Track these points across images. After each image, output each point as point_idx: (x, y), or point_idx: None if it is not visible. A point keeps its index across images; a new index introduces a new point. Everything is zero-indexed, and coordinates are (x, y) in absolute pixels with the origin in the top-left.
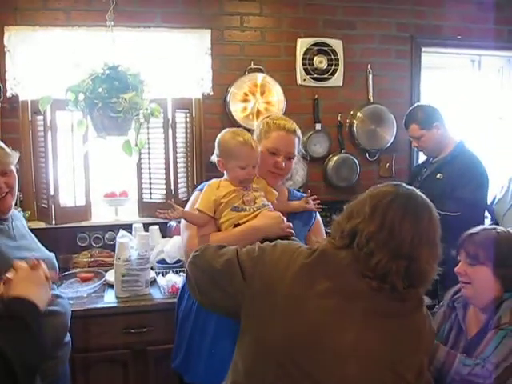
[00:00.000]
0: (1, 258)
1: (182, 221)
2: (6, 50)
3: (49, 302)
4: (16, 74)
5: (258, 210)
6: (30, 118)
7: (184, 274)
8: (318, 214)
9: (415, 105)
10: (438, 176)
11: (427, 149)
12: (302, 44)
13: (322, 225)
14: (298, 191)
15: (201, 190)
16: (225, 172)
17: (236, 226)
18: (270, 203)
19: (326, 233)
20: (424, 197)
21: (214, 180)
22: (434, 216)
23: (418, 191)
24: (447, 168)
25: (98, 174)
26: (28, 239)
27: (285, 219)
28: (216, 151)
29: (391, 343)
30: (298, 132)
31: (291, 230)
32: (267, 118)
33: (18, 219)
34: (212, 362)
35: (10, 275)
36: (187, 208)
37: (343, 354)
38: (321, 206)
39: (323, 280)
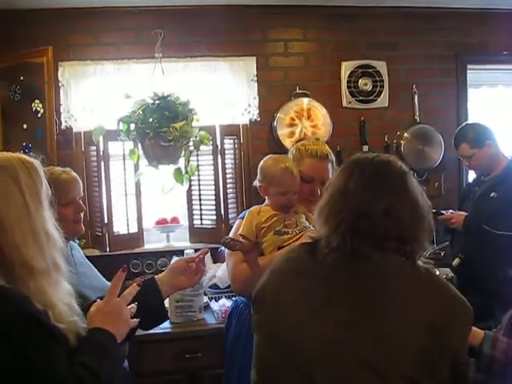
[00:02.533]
0: None
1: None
2: (60, 84)
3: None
4: (69, 107)
5: (300, 232)
6: (83, 149)
7: (234, 299)
8: None
9: (464, 124)
10: (492, 195)
11: (479, 167)
12: (346, 67)
13: None
14: None
15: (242, 217)
16: (266, 197)
17: (280, 248)
18: (311, 225)
19: None
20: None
21: (254, 206)
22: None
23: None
24: (501, 186)
25: (150, 201)
26: (86, 267)
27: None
28: (258, 177)
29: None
30: (331, 156)
31: None
32: (299, 144)
33: (76, 248)
34: None
35: (93, 308)
36: (230, 235)
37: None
38: None
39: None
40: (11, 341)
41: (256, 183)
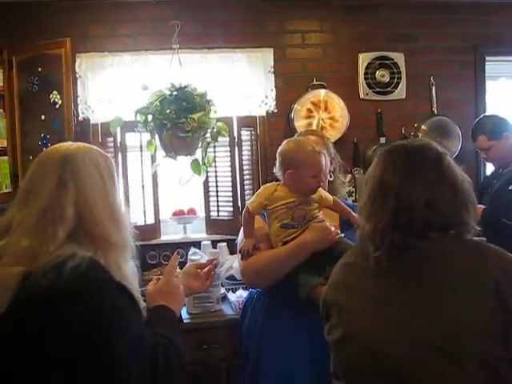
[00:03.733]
0: None
1: (239, 239)
2: (77, 76)
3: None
4: (87, 98)
5: (306, 225)
6: (100, 140)
7: (250, 290)
8: None
9: (482, 116)
10: (510, 188)
11: (497, 160)
12: (364, 58)
13: None
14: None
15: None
16: (290, 183)
17: (285, 243)
18: (320, 213)
19: None
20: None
21: (269, 185)
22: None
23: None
24: None
25: (167, 192)
26: None
27: (332, 228)
28: (281, 165)
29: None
30: (322, 134)
31: (340, 236)
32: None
33: None
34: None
35: (150, 287)
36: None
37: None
38: None
39: None
40: (112, 301)
41: (277, 171)
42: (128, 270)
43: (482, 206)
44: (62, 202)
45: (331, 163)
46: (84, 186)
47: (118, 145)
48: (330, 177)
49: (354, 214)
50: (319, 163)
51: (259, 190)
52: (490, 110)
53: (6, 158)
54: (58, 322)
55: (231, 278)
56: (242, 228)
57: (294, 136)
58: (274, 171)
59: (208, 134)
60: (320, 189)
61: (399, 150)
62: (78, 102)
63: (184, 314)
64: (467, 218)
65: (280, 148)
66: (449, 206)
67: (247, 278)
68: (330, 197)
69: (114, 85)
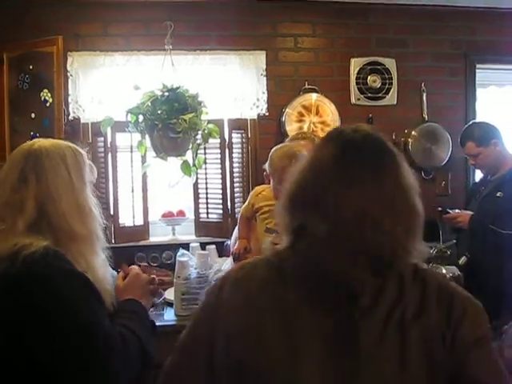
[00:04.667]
0: None
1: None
2: (69, 74)
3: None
4: (78, 97)
5: None
6: (90, 140)
7: None
8: None
9: (471, 122)
10: (498, 194)
11: (485, 166)
12: (356, 63)
13: None
14: None
15: None
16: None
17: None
18: None
19: None
20: None
21: (260, 186)
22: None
23: None
24: (507, 185)
25: (156, 194)
26: None
27: None
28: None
29: None
30: (312, 137)
31: None
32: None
33: None
34: None
35: (119, 282)
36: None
37: None
38: None
39: None
40: (65, 293)
41: (266, 167)
42: (96, 262)
43: (469, 213)
44: (22, 195)
45: None
46: (46, 179)
47: (109, 145)
48: None
49: None
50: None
51: (250, 195)
52: (480, 117)
53: None
54: (13, 307)
55: None
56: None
57: (284, 139)
58: (264, 166)
59: (199, 136)
60: None
61: (332, 139)
62: (69, 100)
63: (172, 315)
64: (415, 246)
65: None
66: (391, 225)
67: None
68: None
69: (105, 84)
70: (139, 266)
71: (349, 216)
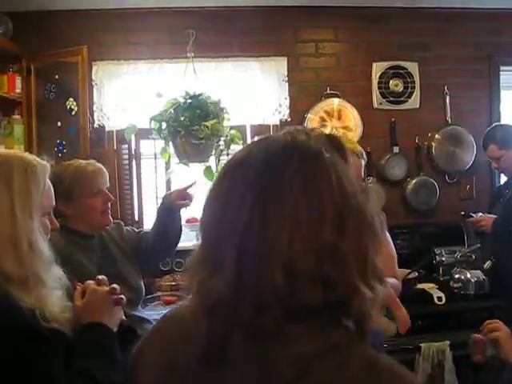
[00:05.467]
0: (83, 271)
1: None
2: (93, 83)
3: (121, 322)
4: (102, 105)
5: None
6: (115, 147)
7: None
8: (386, 231)
9: (493, 125)
10: None
11: (508, 169)
12: (378, 68)
13: (390, 240)
14: None
15: None
16: None
17: None
18: None
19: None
20: None
21: None
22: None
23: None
24: None
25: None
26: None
27: None
28: None
29: None
30: (363, 154)
31: None
32: None
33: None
34: None
35: (78, 301)
36: None
37: None
38: None
39: None
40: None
41: None
42: (44, 298)
43: (492, 216)
44: None
45: None
46: None
47: (133, 152)
48: None
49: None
50: None
51: None
52: (505, 119)
53: None
54: None
55: None
56: None
57: None
58: None
59: (221, 142)
60: None
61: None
62: (94, 109)
63: None
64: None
65: None
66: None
67: None
68: None
69: (129, 92)
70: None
71: None
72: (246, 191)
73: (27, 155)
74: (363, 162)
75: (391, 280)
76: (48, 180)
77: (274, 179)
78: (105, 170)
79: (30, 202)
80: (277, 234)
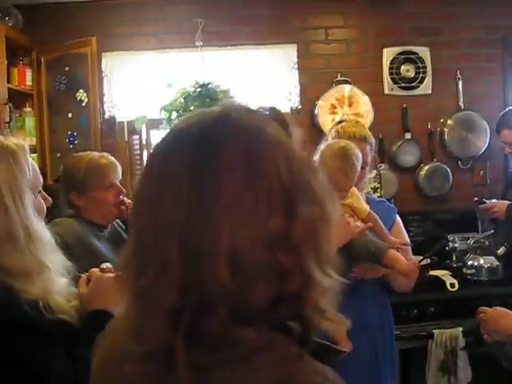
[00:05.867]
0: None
1: None
2: (103, 74)
3: None
4: (113, 96)
5: None
6: (126, 138)
7: None
8: (397, 214)
9: (507, 109)
10: None
11: None
12: (388, 53)
13: (403, 228)
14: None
15: None
16: None
17: None
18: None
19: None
20: None
21: None
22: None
23: None
24: None
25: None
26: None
27: (351, 220)
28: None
29: None
30: (370, 139)
31: (359, 229)
32: (338, 126)
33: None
34: None
35: (82, 289)
36: None
37: None
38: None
39: None
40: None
41: None
42: (50, 290)
43: (506, 202)
44: None
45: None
46: None
47: (144, 142)
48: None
49: (387, 234)
50: (338, 181)
51: None
52: None
53: (35, 155)
54: None
55: None
56: None
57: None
58: None
59: None
60: (354, 197)
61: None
62: (104, 100)
63: None
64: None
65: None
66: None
67: None
68: (366, 207)
69: (139, 83)
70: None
71: None
72: (180, 178)
73: (2, 140)
74: (369, 147)
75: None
76: (30, 158)
77: (211, 162)
78: (117, 163)
79: (19, 189)
80: (218, 225)
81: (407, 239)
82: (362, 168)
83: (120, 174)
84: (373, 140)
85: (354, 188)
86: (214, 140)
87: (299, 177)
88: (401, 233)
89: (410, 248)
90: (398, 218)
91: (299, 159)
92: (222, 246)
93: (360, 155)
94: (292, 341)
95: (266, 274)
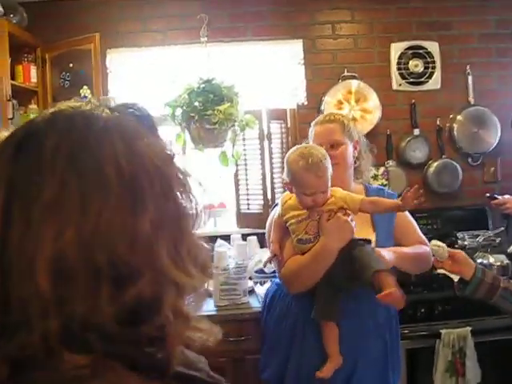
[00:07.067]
0: None
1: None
2: (108, 71)
3: None
4: (117, 93)
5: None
6: None
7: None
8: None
9: None
10: None
11: None
12: (396, 48)
13: (411, 217)
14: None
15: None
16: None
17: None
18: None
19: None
20: None
21: (287, 193)
22: None
23: None
24: None
25: (196, 186)
26: None
27: (353, 223)
28: (285, 171)
29: None
30: (342, 119)
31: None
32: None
33: None
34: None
35: None
36: (268, 223)
37: None
38: (422, 200)
39: None
40: None
41: (284, 177)
42: None
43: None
44: None
45: (355, 148)
46: None
47: None
48: (355, 163)
49: (394, 201)
50: (312, 182)
51: (278, 204)
52: None
53: None
54: None
55: (260, 271)
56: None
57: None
58: (283, 176)
59: (236, 127)
60: (338, 194)
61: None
62: (109, 96)
63: (211, 306)
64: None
65: (288, 153)
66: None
67: (288, 287)
68: (357, 198)
69: (144, 79)
70: None
71: None
72: None
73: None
74: (338, 127)
75: (422, 248)
76: None
77: (30, 162)
78: None
79: None
80: (39, 231)
81: (414, 223)
82: (334, 146)
83: None
84: (346, 122)
85: (336, 188)
86: (36, 134)
87: (145, 168)
88: (406, 217)
89: (416, 225)
90: None
91: (146, 151)
92: (44, 252)
93: (326, 154)
94: (142, 373)
95: (99, 280)
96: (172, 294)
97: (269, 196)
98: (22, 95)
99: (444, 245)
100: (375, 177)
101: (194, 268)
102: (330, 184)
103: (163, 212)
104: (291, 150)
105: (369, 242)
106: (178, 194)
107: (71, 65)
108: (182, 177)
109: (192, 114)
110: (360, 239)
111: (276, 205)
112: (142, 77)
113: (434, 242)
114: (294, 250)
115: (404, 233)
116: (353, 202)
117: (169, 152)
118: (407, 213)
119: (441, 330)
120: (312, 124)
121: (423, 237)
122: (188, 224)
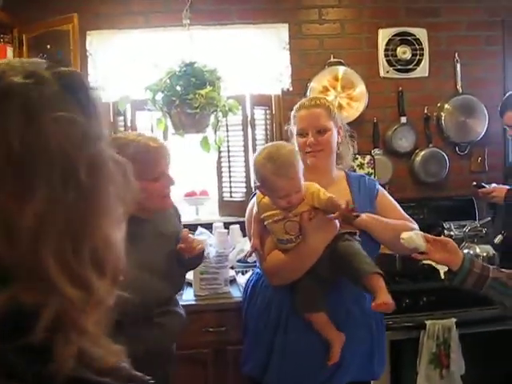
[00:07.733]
0: None
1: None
2: (88, 53)
3: None
4: (98, 76)
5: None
6: (111, 120)
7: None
8: (379, 185)
9: (511, 92)
10: None
11: None
12: (384, 34)
13: (389, 196)
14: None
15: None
16: None
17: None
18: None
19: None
20: None
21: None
22: None
23: None
24: None
25: (178, 173)
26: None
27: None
28: (254, 175)
29: None
30: (326, 104)
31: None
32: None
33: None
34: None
35: None
36: (247, 213)
37: None
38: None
39: None
40: None
41: (255, 180)
42: None
43: (505, 187)
44: None
45: (339, 133)
46: None
47: (129, 124)
48: (338, 149)
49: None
50: (283, 185)
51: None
52: None
53: None
54: None
55: (242, 260)
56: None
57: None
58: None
59: (219, 112)
60: (309, 195)
61: None
62: (89, 80)
63: (191, 295)
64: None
65: (254, 155)
66: None
67: (270, 280)
68: (324, 197)
69: (125, 63)
70: None
71: None
72: None
73: None
74: (322, 111)
75: (405, 223)
76: None
77: None
78: (168, 148)
79: None
80: None
81: (397, 205)
82: (321, 132)
83: (170, 160)
84: (330, 107)
85: (310, 184)
86: None
87: (44, 149)
88: (389, 202)
89: (398, 206)
90: (382, 189)
91: (52, 129)
92: None
93: (296, 149)
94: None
95: None
96: (56, 305)
97: (252, 184)
98: None
99: (418, 231)
100: (361, 165)
101: (98, 275)
102: (302, 180)
103: (58, 204)
104: (258, 152)
105: (354, 233)
106: (92, 183)
107: (48, 46)
108: (110, 164)
109: (173, 98)
110: (346, 232)
111: (255, 194)
112: (124, 60)
113: (404, 233)
114: (275, 246)
115: (388, 212)
116: (320, 203)
117: (94, 134)
118: (388, 195)
119: (426, 321)
120: (295, 108)
121: (407, 216)
122: (100, 221)
